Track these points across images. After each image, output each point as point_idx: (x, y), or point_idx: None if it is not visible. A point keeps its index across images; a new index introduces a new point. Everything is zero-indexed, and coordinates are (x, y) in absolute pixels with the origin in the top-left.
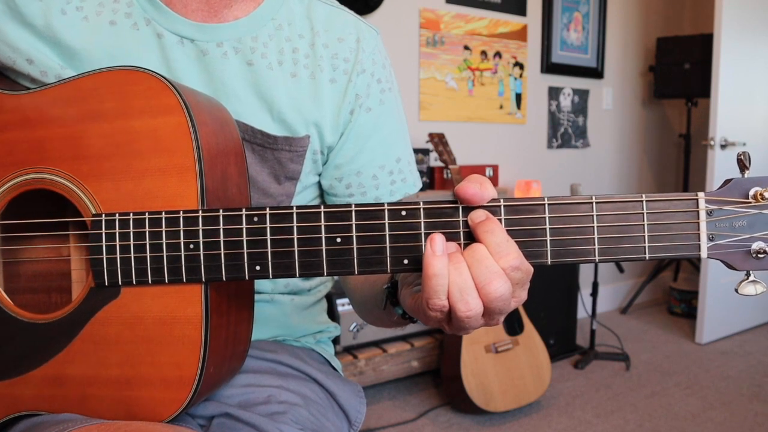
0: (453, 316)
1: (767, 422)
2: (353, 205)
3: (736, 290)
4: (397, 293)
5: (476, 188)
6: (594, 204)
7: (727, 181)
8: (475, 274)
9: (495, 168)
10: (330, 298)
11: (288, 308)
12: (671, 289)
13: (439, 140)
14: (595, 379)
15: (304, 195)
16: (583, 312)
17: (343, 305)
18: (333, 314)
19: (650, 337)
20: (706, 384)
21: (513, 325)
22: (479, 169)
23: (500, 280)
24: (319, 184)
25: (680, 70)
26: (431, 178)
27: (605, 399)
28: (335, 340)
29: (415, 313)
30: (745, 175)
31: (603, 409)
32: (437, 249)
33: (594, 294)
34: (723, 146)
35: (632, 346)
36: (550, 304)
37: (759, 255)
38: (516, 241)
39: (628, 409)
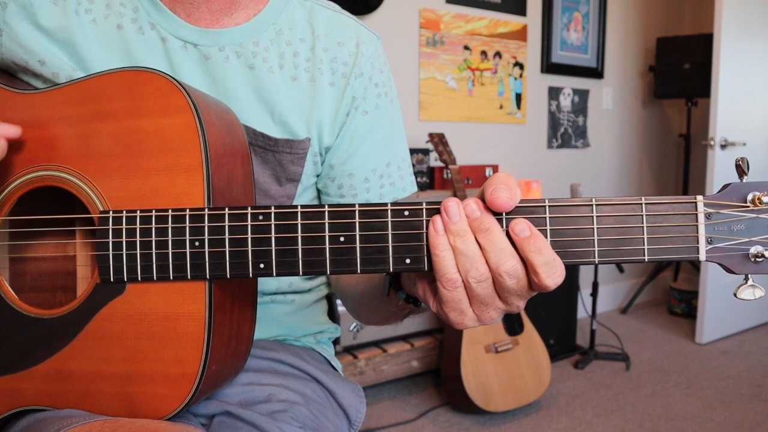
0: (469, 291)
1: (767, 422)
2: (357, 205)
3: (735, 294)
4: (400, 279)
5: (506, 195)
6: (594, 206)
7: (725, 186)
8: (487, 256)
9: (495, 168)
10: (330, 299)
11: (289, 309)
12: (671, 289)
13: (439, 140)
14: (595, 379)
15: (304, 196)
16: (583, 312)
17: None
18: (333, 315)
19: (650, 337)
20: (706, 384)
21: (513, 325)
22: (479, 169)
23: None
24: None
25: (680, 70)
26: (431, 178)
27: (605, 399)
28: (335, 342)
29: (428, 300)
30: (744, 180)
31: (603, 409)
32: (438, 229)
33: (594, 294)
34: (723, 146)
35: (632, 346)
36: (550, 304)
37: (757, 259)
38: None
39: (628, 409)
